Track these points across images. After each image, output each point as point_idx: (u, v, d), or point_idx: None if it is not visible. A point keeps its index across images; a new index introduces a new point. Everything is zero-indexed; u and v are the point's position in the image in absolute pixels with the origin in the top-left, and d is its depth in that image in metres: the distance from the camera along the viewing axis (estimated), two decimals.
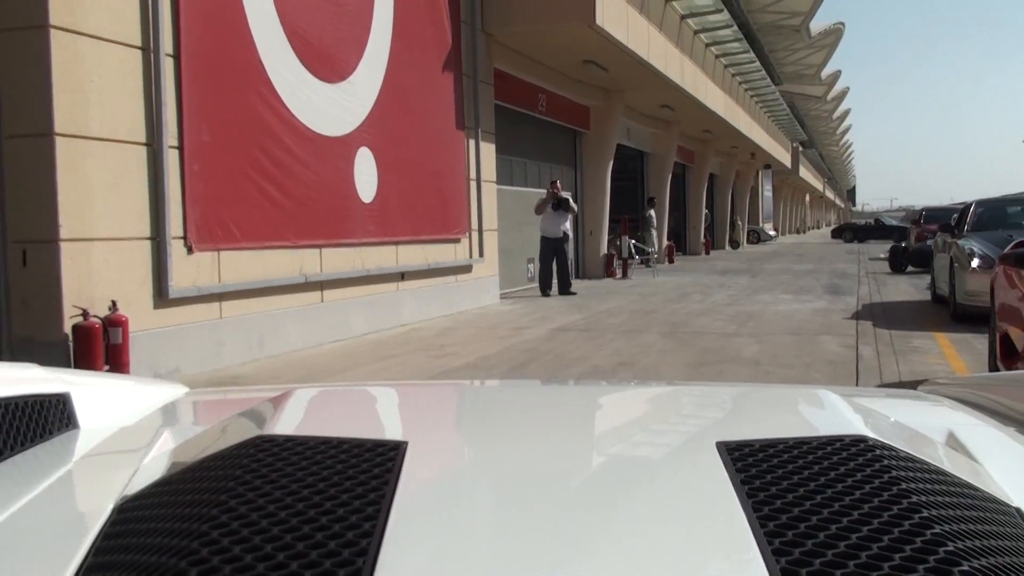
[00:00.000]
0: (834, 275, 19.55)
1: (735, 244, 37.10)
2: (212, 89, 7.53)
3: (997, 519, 0.69)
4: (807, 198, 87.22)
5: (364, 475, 0.73)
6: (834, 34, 42.54)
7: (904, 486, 0.70)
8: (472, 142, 12.52)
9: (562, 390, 1.73)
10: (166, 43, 7.04)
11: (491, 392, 1.66)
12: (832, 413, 1.01)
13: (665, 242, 24.57)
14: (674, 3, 17.80)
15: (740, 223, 39.16)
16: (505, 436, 1.02)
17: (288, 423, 0.97)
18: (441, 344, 9.17)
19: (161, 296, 7.10)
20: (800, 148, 54.49)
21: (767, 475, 0.73)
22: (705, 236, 31.39)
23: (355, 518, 0.65)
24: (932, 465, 0.79)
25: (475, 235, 12.73)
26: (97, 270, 6.54)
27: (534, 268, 15.68)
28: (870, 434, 0.84)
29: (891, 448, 0.81)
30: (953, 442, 0.99)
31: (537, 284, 15.16)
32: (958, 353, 8.08)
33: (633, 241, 19.85)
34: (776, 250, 35.41)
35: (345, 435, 0.86)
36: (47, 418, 1.08)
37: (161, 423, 1.19)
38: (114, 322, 6.44)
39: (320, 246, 9.09)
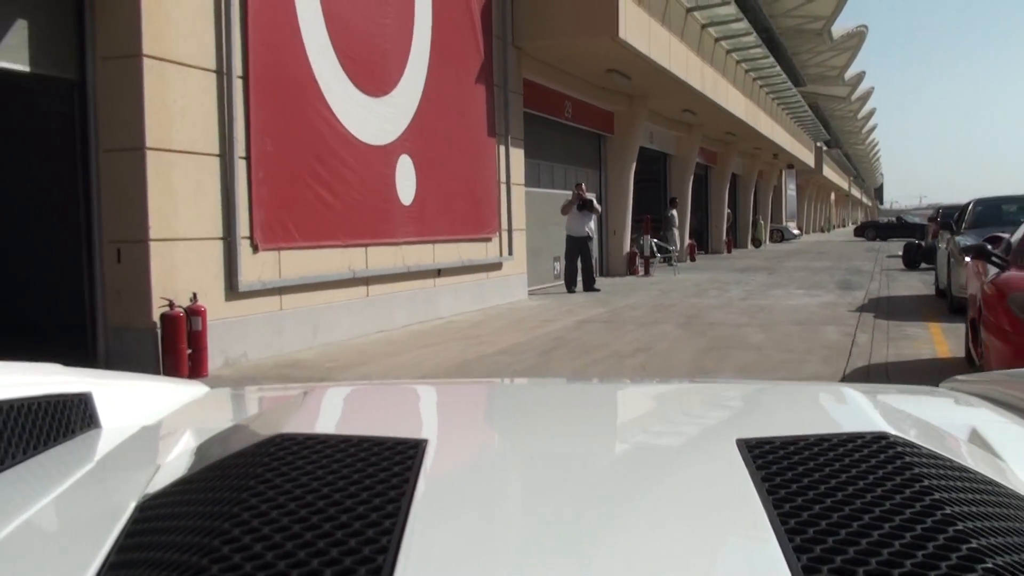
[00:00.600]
0: (849, 272, 20.20)
1: (757, 243, 37.43)
2: (275, 105, 8.49)
3: (1021, 515, 0.68)
4: (832, 196, 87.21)
5: (384, 473, 0.74)
6: (857, 36, 42.98)
7: (926, 483, 0.69)
8: (502, 147, 13.38)
9: (581, 388, 1.70)
10: (236, 67, 8.00)
11: (509, 390, 1.65)
12: (853, 410, 1.01)
13: (687, 241, 25.14)
14: (695, 13, 18.45)
15: (762, 222, 39.44)
16: (524, 434, 1.02)
17: (308, 422, 0.98)
18: (476, 334, 10.03)
19: (232, 289, 8.03)
20: (824, 148, 54.77)
21: (788, 472, 0.73)
22: (727, 235, 31.85)
23: (375, 516, 0.65)
24: (954, 462, 0.79)
25: (505, 235, 13.56)
26: (179, 266, 7.48)
27: (560, 266, 16.39)
28: (891, 431, 0.83)
29: (912, 445, 0.80)
30: (975, 438, 0.98)
31: (563, 281, 15.83)
32: (946, 340, 8.86)
33: (655, 240, 20.47)
34: (798, 248, 35.93)
35: (365, 434, 0.86)
36: (69, 417, 1.08)
37: (182, 422, 1.18)
38: (195, 311, 7.36)
39: (366, 245, 10.01)
